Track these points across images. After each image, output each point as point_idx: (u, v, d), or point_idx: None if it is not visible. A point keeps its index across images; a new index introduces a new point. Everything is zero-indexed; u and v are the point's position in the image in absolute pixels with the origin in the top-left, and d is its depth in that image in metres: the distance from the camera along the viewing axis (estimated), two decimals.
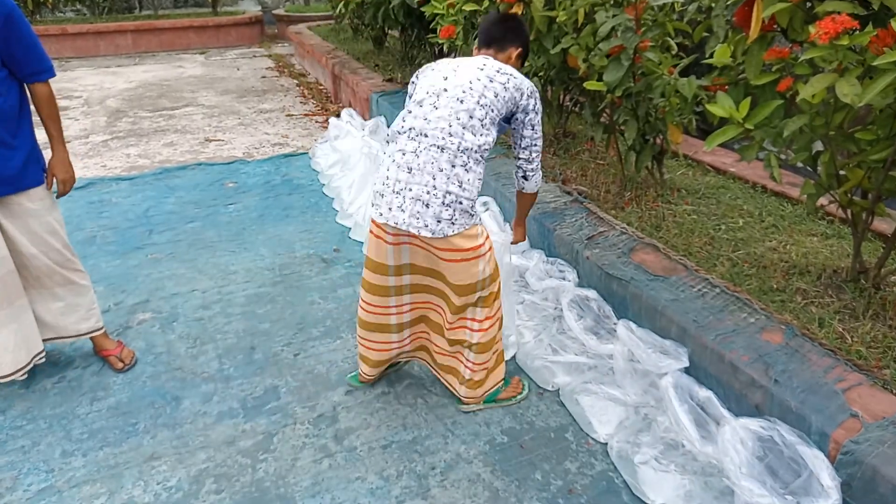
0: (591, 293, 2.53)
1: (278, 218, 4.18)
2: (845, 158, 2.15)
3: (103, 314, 2.86)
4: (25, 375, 2.51)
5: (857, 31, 1.73)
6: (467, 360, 2.29)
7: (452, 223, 1.99)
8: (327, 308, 3.11)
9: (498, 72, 2.09)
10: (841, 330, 2.08)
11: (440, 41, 4.31)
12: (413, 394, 2.51)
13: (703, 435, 1.97)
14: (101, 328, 2.70)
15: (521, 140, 2.22)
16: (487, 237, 2.14)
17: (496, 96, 2.05)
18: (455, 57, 4.56)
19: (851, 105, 1.72)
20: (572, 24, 2.96)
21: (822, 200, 2.39)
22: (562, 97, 3.90)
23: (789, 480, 1.75)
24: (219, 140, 5.95)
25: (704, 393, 2.03)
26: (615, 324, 2.40)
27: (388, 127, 5.03)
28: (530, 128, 2.18)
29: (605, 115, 3.32)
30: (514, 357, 2.66)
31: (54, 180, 2.44)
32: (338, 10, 7.59)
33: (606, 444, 2.21)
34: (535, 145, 2.23)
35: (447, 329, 2.28)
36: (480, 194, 3.49)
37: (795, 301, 2.26)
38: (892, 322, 2.09)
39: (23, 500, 2.05)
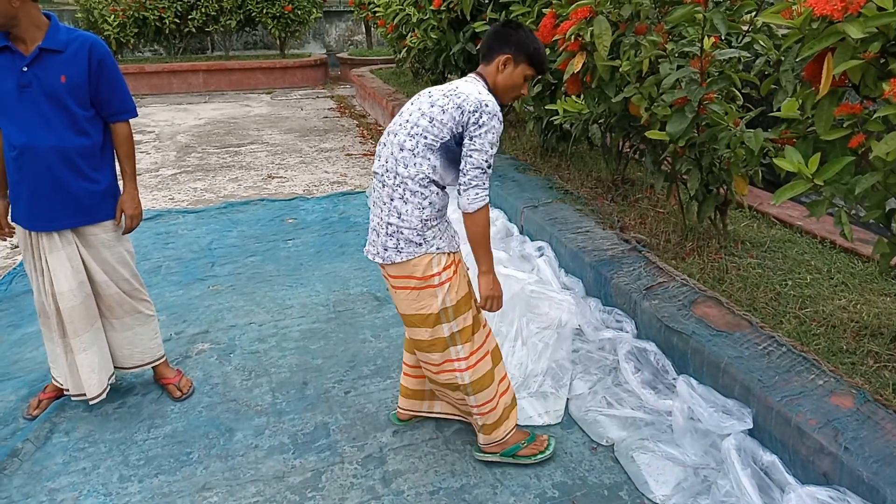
0: (650, 346, 2.47)
1: (334, 255, 4.26)
2: None
3: (165, 342, 2.96)
4: (105, 396, 2.61)
5: None
6: (472, 405, 2.28)
7: (399, 251, 2.10)
8: (378, 347, 3.13)
9: (444, 95, 2.09)
10: None
11: None
12: (462, 440, 2.48)
13: (766, 501, 1.88)
14: (162, 357, 2.79)
15: (466, 159, 2.06)
16: (449, 268, 2.13)
17: (431, 122, 2.05)
18: (521, 112, 4.64)
19: None
20: (635, 73, 2.97)
21: None
22: (621, 144, 3.89)
23: None
24: (281, 177, 6.15)
25: (769, 457, 1.94)
26: (674, 379, 2.33)
27: None
28: (468, 139, 2.03)
29: (666, 163, 3.29)
30: (566, 408, 2.61)
31: (122, 215, 2.55)
32: (400, 55, 7.84)
33: None
34: (471, 157, 2.03)
35: (434, 374, 2.28)
36: (536, 238, 3.49)
37: (867, 364, 2.15)
38: None
39: None
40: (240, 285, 3.81)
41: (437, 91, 2.14)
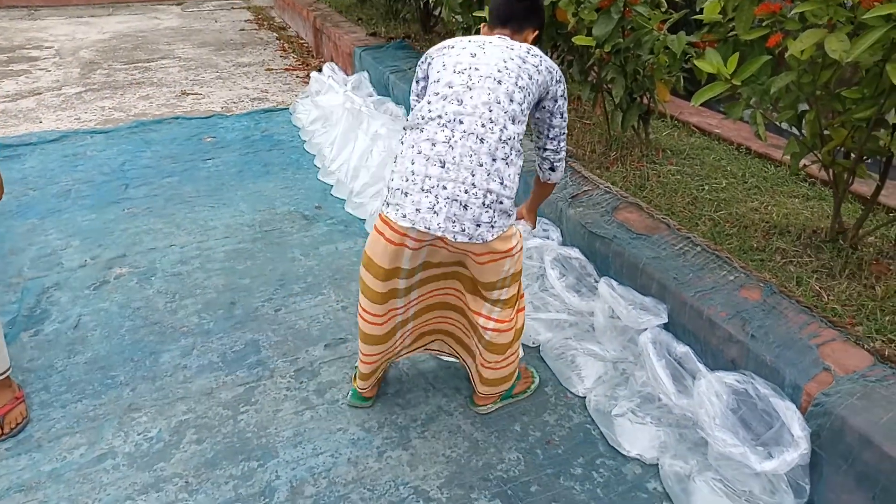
0: (574, 252, 2.54)
1: (258, 174, 4.11)
2: (830, 118, 2.15)
3: (79, 269, 2.82)
4: None
5: None
6: (480, 354, 2.08)
7: (492, 227, 1.75)
8: (308, 265, 3.09)
9: (528, 52, 1.90)
10: (818, 288, 2.11)
11: None
12: None
13: (679, 389, 2.00)
14: (8, 369, 2.19)
15: (550, 130, 2.03)
16: (520, 237, 1.91)
17: (531, 79, 1.85)
18: (449, 23, 4.45)
19: (839, 62, 1.71)
20: None
21: (805, 161, 2.40)
22: (549, 54, 3.84)
23: (762, 432, 1.80)
24: (196, 94, 5.81)
25: (682, 348, 2.06)
26: (596, 281, 2.41)
27: (372, 86, 4.94)
28: (559, 116, 2.00)
29: (592, 73, 3.28)
30: None
31: None
32: None
33: (584, 398, 2.24)
34: (563, 134, 2.05)
35: (469, 311, 2.05)
36: None
37: (775, 260, 2.29)
38: (867, 281, 2.13)
39: (1, 450, 2.04)
40: (157, 207, 3.64)
41: (516, 45, 1.90)
